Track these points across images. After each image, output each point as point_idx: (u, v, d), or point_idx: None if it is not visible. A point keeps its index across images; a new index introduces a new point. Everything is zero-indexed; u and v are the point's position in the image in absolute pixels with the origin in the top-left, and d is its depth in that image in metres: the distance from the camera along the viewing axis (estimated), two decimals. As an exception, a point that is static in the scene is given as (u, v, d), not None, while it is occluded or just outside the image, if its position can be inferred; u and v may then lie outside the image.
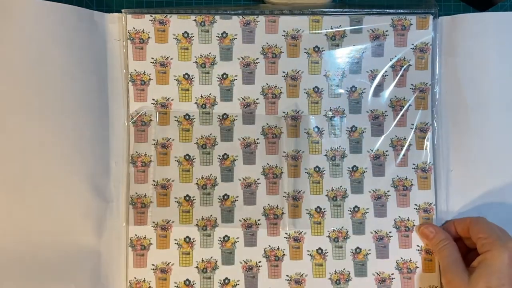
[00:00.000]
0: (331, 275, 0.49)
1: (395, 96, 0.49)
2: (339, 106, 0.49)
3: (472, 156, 0.49)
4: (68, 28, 0.45)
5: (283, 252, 0.48)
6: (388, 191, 0.49)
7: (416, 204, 0.49)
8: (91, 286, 0.46)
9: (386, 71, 0.49)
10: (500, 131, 0.49)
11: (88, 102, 0.47)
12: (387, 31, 0.49)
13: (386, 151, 0.49)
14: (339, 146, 0.49)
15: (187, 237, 0.48)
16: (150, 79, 0.48)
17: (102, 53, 0.47)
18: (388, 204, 0.49)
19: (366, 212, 0.49)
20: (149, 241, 0.48)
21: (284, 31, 0.49)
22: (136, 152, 0.48)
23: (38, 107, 0.44)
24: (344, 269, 0.49)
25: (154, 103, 0.48)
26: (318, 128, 0.49)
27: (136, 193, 0.48)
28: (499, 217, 0.47)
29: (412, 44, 0.49)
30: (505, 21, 0.49)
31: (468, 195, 0.49)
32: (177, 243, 0.48)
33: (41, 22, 0.44)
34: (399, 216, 0.49)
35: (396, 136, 0.49)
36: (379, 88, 0.49)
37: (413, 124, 0.49)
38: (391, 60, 0.49)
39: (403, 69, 0.49)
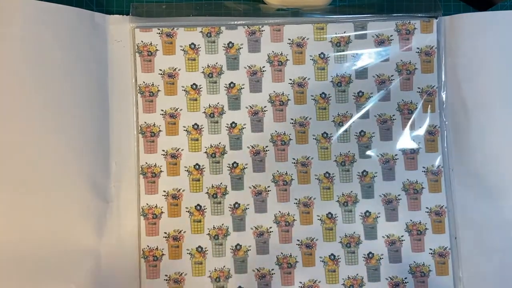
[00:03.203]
0: (344, 281, 0.48)
1: (402, 100, 0.50)
2: (347, 111, 0.49)
3: (472, 155, 0.49)
4: (69, 30, 0.46)
5: (295, 259, 0.48)
6: (399, 195, 0.49)
7: (427, 208, 0.49)
8: (91, 286, 0.46)
9: (392, 75, 0.50)
10: (500, 131, 0.49)
11: (88, 102, 0.47)
12: (391, 35, 0.50)
13: (396, 155, 0.49)
14: (349, 151, 0.49)
15: (199, 246, 0.48)
16: (158, 90, 0.49)
17: (103, 54, 0.48)
18: (399, 208, 0.49)
19: (377, 217, 0.49)
20: (161, 251, 0.48)
21: (289, 39, 0.50)
22: (146, 163, 0.48)
23: (38, 108, 0.45)
24: (357, 274, 0.48)
25: (162, 114, 0.49)
26: (327, 134, 0.49)
27: (147, 204, 0.48)
28: (501, 217, 0.47)
29: (418, 48, 0.50)
30: (505, 20, 0.49)
31: (467, 194, 0.49)
32: (189, 253, 0.48)
33: (41, 24, 0.45)
34: (411, 220, 0.49)
35: (405, 140, 0.50)
36: (386, 92, 0.50)
37: (421, 128, 0.49)
38: (396, 65, 0.50)
39: (409, 73, 0.50)
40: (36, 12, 0.44)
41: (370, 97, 0.50)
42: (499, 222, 0.48)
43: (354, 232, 0.49)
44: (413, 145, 0.49)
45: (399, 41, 0.50)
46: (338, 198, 0.49)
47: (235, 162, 0.49)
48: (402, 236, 0.49)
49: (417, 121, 0.49)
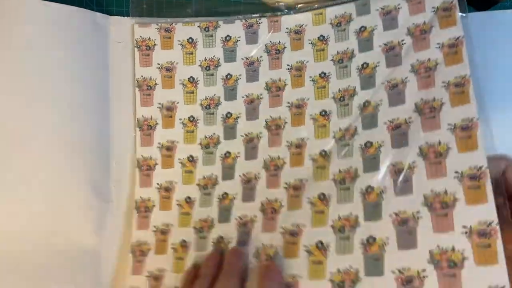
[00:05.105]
0: (332, 276, 0.39)
1: (417, 60, 0.42)
2: (348, 86, 0.45)
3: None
4: (70, 30, 0.47)
5: (276, 249, 0.41)
6: (418, 212, 0.38)
7: (464, 227, 0.36)
8: (91, 286, 0.44)
9: (403, 40, 0.44)
10: (500, 132, 0.43)
11: (89, 102, 0.48)
12: (399, 4, 0.45)
13: (414, 161, 0.40)
14: (349, 125, 0.44)
15: (184, 240, 0.44)
16: (156, 84, 0.49)
17: (104, 55, 0.49)
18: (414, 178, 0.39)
19: (382, 192, 0.40)
20: (148, 246, 0.45)
21: (287, 28, 0.48)
22: (142, 156, 0.47)
23: (38, 107, 0.45)
24: (350, 266, 0.39)
25: (160, 107, 0.48)
26: (325, 112, 0.45)
27: (141, 197, 0.46)
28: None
29: (433, 7, 0.43)
30: (505, 20, 0.48)
31: None
32: (173, 248, 0.44)
33: (43, 23, 0.46)
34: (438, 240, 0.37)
35: (426, 142, 0.40)
36: (396, 59, 0.44)
37: (450, 124, 0.40)
38: (408, 29, 0.44)
39: (424, 32, 0.43)
40: (39, 11, 0.46)
41: (376, 66, 0.44)
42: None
43: (351, 213, 0.40)
44: (437, 148, 0.39)
45: (408, 7, 0.44)
46: (334, 176, 0.42)
47: (227, 152, 0.46)
48: (418, 211, 0.38)
49: (439, 76, 0.41)
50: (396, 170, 0.40)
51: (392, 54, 0.44)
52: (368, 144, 0.42)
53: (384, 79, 0.44)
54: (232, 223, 0.44)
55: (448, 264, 0.36)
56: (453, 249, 0.36)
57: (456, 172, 0.37)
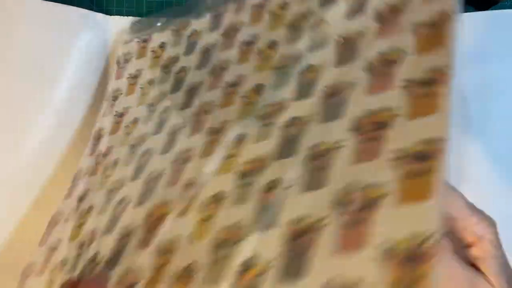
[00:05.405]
0: None
1: (385, 3, 0.28)
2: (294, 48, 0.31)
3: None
4: (70, 30, 0.46)
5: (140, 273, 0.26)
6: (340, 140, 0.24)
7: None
8: None
9: None
10: (501, 132, 0.42)
11: (88, 102, 0.45)
12: None
13: (355, 77, 0.26)
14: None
15: None
16: (121, 93, 0.44)
17: (103, 55, 0.47)
18: None
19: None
20: None
21: (253, 4, 0.38)
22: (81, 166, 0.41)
23: (38, 107, 0.44)
24: None
25: (116, 115, 0.42)
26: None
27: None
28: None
29: None
30: (505, 19, 0.47)
31: None
32: None
33: (43, 23, 0.45)
34: None
35: (378, 52, 0.26)
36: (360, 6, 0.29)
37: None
38: None
39: None
40: (39, 11, 0.45)
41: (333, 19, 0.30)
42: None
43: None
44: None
45: None
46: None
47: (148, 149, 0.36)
48: (340, 140, 0.25)
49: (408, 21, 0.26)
50: (330, 92, 0.27)
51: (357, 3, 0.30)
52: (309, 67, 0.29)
53: (339, 32, 0.29)
54: (112, 236, 0.31)
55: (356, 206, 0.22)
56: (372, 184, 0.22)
57: (406, 80, 0.24)
